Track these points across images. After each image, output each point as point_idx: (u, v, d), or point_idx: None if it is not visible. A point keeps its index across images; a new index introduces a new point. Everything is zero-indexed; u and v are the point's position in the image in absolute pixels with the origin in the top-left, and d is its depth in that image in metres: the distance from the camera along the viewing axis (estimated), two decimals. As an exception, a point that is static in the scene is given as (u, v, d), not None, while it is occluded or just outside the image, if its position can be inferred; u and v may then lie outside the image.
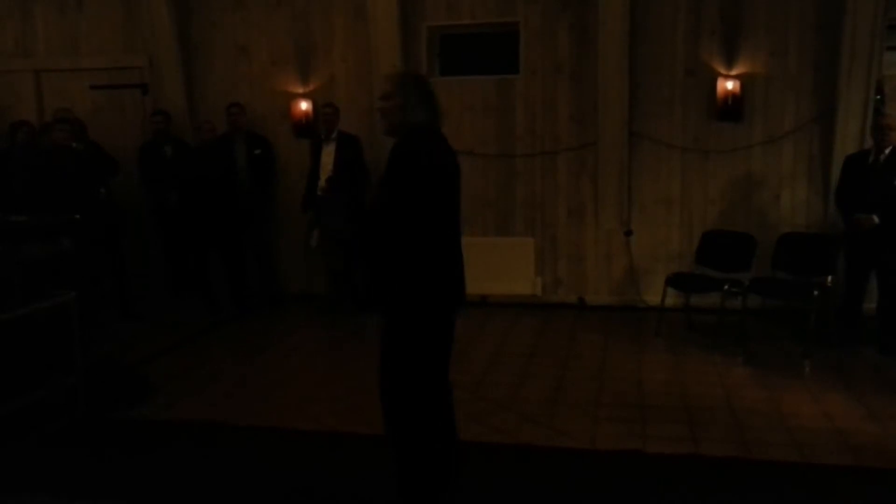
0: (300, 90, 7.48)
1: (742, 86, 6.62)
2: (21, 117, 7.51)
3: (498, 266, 7.22)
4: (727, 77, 6.64)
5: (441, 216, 3.17)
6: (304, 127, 7.41)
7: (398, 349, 3.19)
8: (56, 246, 5.19)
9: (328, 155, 6.76)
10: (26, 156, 6.62)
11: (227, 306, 7.28)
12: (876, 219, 5.52)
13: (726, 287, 5.89)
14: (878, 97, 6.43)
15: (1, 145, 7.12)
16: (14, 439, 4.23)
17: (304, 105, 7.41)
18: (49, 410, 4.50)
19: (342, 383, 5.09)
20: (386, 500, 3.59)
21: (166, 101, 7.62)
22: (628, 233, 7.05)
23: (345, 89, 7.37)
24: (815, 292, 5.64)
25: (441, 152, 3.23)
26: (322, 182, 6.48)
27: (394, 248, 3.11)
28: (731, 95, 6.62)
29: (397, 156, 3.09)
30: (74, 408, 4.62)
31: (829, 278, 5.83)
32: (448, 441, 3.37)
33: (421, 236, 3.10)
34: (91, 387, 4.74)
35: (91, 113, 7.72)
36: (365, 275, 3.29)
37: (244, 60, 7.63)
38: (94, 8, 7.86)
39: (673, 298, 6.42)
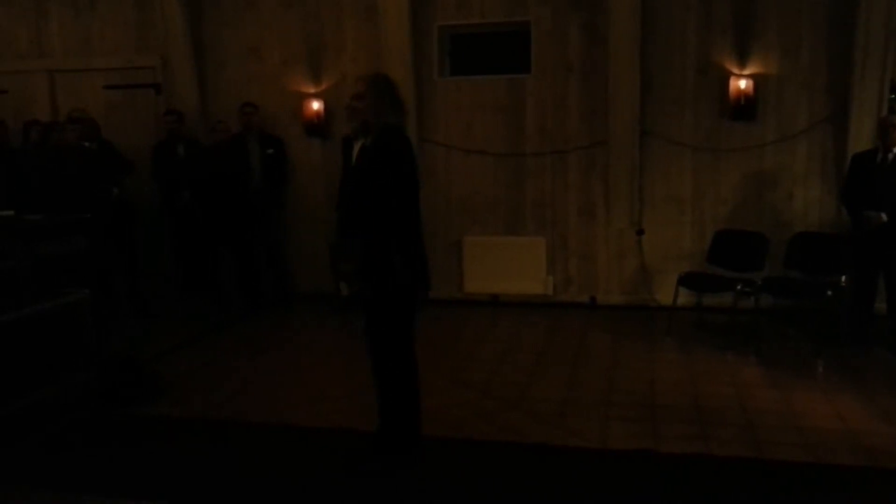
0: (311, 90, 7.50)
1: (755, 85, 6.59)
2: (35, 117, 7.59)
3: (508, 265, 7.22)
4: (739, 76, 6.61)
5: (414, 207, 3.65)
6: (316, 126, 7.43)
7: (388, 317, 3.69)
8: (70, 244, 5.23)
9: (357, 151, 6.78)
10: (38, 155, 6.69)
11: (238, 304, 7.32)
12: (885, 216, 5.48)
13: (738, 286, 5.87)
14: (893, 96, 6.38)
15: (15, 145, 7.18)
16: (28, 435, 4.27)
17: (316, 105, 7.43)
18: (63, 407, 4.54)
19: (351, 381, 5.09)
20: (393, 497, 3.60)
21: (179, 100, 7.67)
22: (640, 232, 7.03)
23: (355, 89, 7.36)
24: (829, 292, 5.61)
25: (411, 152, 3.71)
26: None
27: (381, 231, 3.54)
28: (743, 94, 6.58)
29: (385, 153, 3.58)
30: (88, 404, 4.65)
31: (843, 278, 5.79)
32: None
33: (403, 223, 3.57)
34: (104, 383, 4.77)
35: (104, 112, 7.79)
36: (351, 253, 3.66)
37: (255, 60, 7.66)
38: (107, 8, 7.92)
39: (685, 298, 6.40)
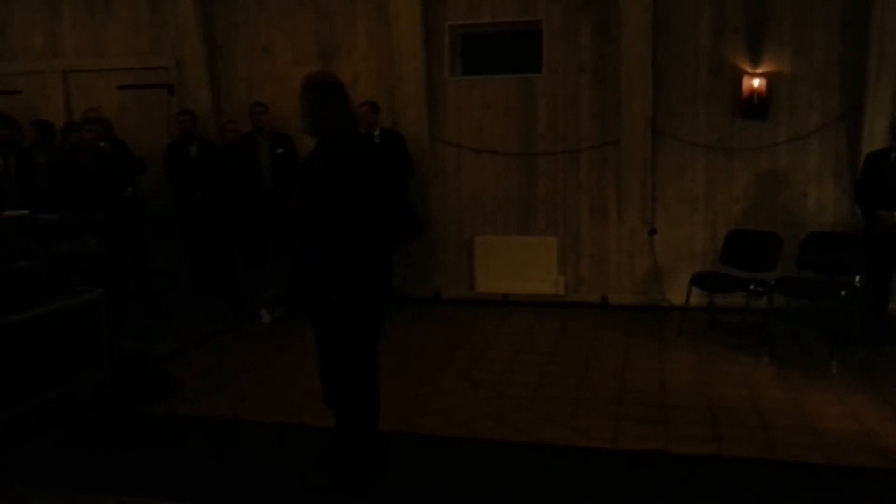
0: (323, 90, 7.51)
1: (768, 83, 6.55)
2: (49, 117, 7.66)
3: (520, 265, 7.21)
4: (752, 75, 6.57)
5: (351, 218, 3.32)
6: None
7: (325, 340, 3.50)
8: (83, 244, 5.26)
9: None
10: (51, 155, 6.73)
11: (250, 304, 7.34)
12: None
13: (751, 286, 5.83)
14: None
15: (27, 144, 7.23)
16: (41, 433, 4.30)
17: (327, 104, 7.43)
18: (76, 405, 4.57)
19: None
20: (402, 496, 3.61)
21: (191, 100, 7.71)
22: (652, 232, 7.01)
23: (367, 89, 7.39)
24: (842, 292, 5.57)
25: (350, 156, 3.37)
26: None
27: (313, 247, 3.33)
28: (756, 93, 6.55)
29: (305, 162, 3.39)
30: (100, 403, 4.68)
31: (857, 278, 5.75)
32: (373, 415, 3.65)
33: (332, 237, 3.30)
34: (116, 382, 4.80)
35: (118, 113, 7.84)
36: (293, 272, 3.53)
37: (267, 60, 7.70)
38: (121, 9, 7.97)
39: (697, 298, 6.37)
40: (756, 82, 6.55)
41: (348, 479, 3.63)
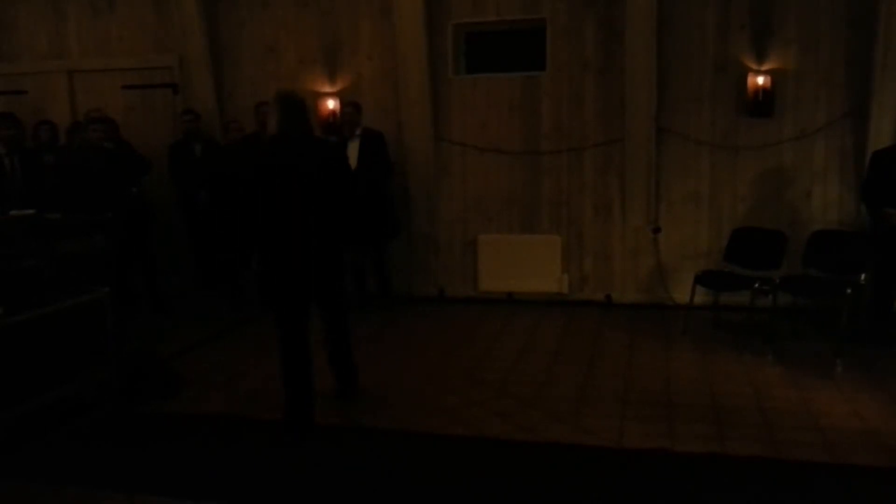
0: (328, 89, 7.53)
1: (773, 81, 6.54)
2: (55, 117, 7.68)
3: (524, 263, 7.21)
4: (757, 72, 6.56)
5: (273, 212, 4.08)
6: (332, 125, 7.45)
7: None
8: (89, 243, 5.28)
9: (353, 151, 6.82)
10: (58, 155, 6.74)
11: (254, 302, 7.35)
12: None
13: (756, 285, 5.82)
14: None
15: (29, 144, 7.25)
16: (47, 432, 4.32)
17: (332, 104, 7.45)
18: (82, 404, 4.59)
19: (364, 379, 5.11)
20: (406, 494, 3.61)
21: (196, 100, 7.72)
22: (656, 230, 7.00)
23: (371, 88, 7.41)
24: (848, 290, 5.55)
25: (282, 155, 4.15)
26: None
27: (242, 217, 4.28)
28: (761, 91, 6.53)
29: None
30: (107, 401, 4.70)
31: (862, 276, 5.73)
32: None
33: (257, 226, 4.16)
34: (122, 381, 4.82)
35: (123, 112, 7.87)
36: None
37: (272, 59, 7.71)
38: (125, 9, 8.00)
39: (701, 296, 6.35)
40: (761, 80, 6.54)
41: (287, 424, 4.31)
